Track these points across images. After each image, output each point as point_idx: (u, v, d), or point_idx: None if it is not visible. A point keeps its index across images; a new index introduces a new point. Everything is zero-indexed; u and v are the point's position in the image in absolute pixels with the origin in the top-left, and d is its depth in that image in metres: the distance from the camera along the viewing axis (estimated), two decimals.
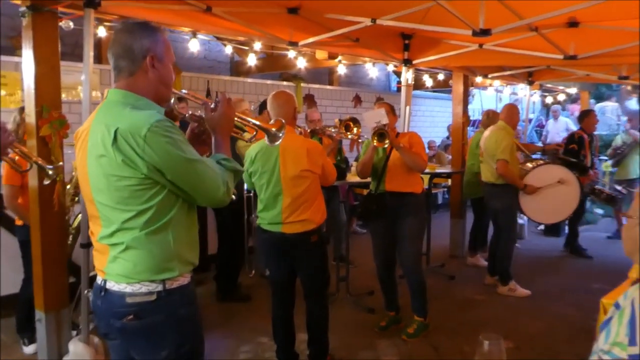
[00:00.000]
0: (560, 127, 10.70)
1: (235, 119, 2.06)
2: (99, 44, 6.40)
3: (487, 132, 5.67)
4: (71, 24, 3.81)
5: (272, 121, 2.20)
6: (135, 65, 1.84)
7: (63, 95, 3.63)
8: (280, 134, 2.15)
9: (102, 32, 6.02)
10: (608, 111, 11.59)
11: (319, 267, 3.53)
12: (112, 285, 1.82)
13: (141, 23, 1.89)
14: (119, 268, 1.79)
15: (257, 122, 2.18)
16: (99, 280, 1.89)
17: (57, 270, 3.51)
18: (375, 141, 3.93)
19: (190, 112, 2.09)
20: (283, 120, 2.20)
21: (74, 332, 3.71)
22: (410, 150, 4.06)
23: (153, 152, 1.70)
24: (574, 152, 6.69)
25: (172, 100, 2.07)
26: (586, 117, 6.99)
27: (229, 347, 4.09)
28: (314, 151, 3.38)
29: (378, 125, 3.90)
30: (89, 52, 3.37)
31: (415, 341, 4.21)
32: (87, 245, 3.40)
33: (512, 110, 5.61)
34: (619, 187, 7.28)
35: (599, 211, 9.37)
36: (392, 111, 4.17)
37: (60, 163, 3.42)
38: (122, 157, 1.70)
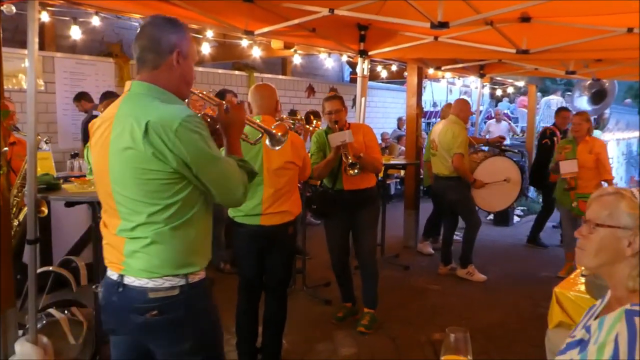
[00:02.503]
0: (503, 129, 11.42)
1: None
2: (42, 29, 6.10)
3: (440, 126, 5.76)
4: (14, 8, 3.60)
5: (275, 125, 2.29)
6: (161, 59, 1.82)
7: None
8: (284, 139, 2.25)
9: (45, 17, 5.76)
10: (553, 104, 12.05)
11: (288, 260, 3.53)
12: (131, 281, 1.79)
13: (170, 18, 1.88)
14: (141, 263, 1.78)
15: (264, 126, 2.27)
16: (113, 275, 1.85)
17: (2, 268, 3.34)
18: (350, 171, 4.03)
19: (203, 113, 2.08)
20: (287, 126, 2.28)
21: (21, 332, 3.55)
22: (369, 157, 4.12)
23: (183, 147, 1.70)
24: (547, 147, 6.80)
25: (187, 100, 2.05)
26: (559, 114, 7.10)
27: None
28: (297, 143, 3.41)
29: (342, 143, 3.99)
30: (33, 39, 3.17)
31: (372, 332, 4.24)
32: (35, 241, 3.25)
33: (463, 105, 5.73)
34: None
35: None
36: (342, 104, 4.20)
37: (6, 148, 3.26)
38: (152, 150, 1.69)
